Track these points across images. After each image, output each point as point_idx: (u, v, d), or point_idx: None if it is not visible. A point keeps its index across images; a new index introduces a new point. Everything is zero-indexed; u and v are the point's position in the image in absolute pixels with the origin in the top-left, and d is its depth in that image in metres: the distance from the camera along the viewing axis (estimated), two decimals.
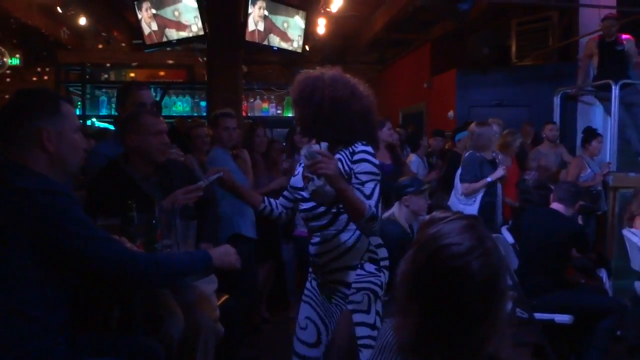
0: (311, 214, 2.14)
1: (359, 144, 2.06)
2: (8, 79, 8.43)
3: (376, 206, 1.96)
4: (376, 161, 2.07)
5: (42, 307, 1.51)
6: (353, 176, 2.03)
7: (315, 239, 2.15)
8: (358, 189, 1.99)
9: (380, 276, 2.09)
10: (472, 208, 4.38)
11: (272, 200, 2.36)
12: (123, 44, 9.02)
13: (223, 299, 2.55)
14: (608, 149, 5.79)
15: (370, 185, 2.00)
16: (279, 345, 3.91)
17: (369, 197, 1.97)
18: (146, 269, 1.58)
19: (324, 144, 1.90)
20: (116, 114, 7.01)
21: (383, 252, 2.14)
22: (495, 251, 1.07)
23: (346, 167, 2.03)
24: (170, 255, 1.89)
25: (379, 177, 2.05)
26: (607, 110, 5.99)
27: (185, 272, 1.74)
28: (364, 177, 2.01)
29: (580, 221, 4.31)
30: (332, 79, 2.09)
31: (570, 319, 3.30)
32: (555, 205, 3.56)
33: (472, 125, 4.64)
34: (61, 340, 1.58)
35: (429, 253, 1.07)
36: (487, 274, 1.04)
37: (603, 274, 4.11)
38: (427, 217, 1.20)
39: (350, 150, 2.06)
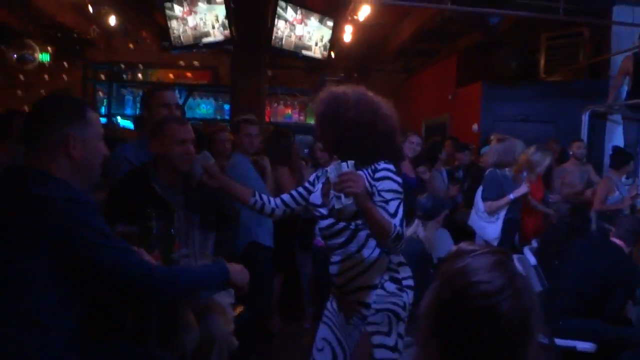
0: (330, 232, 2.10)
1: (382, 162, 2.03)
2: (34, 76, 8.55)
3: (401, 225, 1.94)
4: (399, 179, 2.04)
5: (56, 314, 1.50)
6: (376, 194, 2.00)
7: (334, 258, 2.10)
8: (382, 207, 1.96)
9: (402, 296, 2.04)
10: (495, 226, 4.29)
11: (264, 195, 2.31)
12: (150, 44, 9.10)
13: (238, 310, 2.52)
14: (638, 170, 5.65)
15: (395, 203, 1.98)
16: (292, 355, 3.88)
17: (393, 215, 1.94)
18: (163, 283, 1.56)
19: (350, 163, 1.86)
20: (140, 113, 7.12)
21: (405, 271, 2.10)
22: (527, 291, 1.02)
23: (368, 186, 2.00)
24: (188, 269, 1.87)
25: (402, 196, 2.02)
26: (628, 130, 5.84)
27: (202, 286, 1.72)
28: (387, 195, 1.98)
29: None
30: (356, 99, 2.05)
31: (593, 347, 3.20)
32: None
33: (492, 143, 4.56)
34: (74, 348, 1.57)
35: (456, 289, 1.02)
36: (516, 316, 0.98)
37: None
38: (454, 248, 1.15)
39: (372, 168, 2.04)
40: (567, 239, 3.71)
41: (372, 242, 2.05)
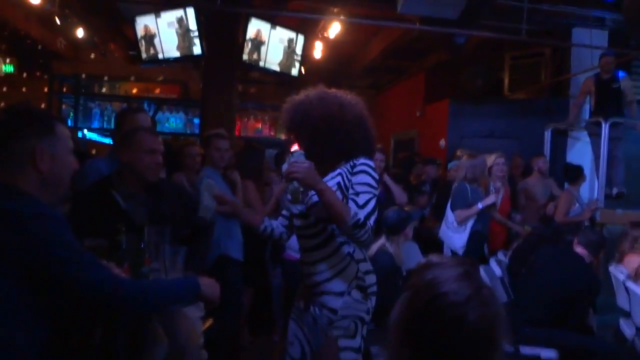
0: (305, 232, 2.14)
1: (362, 158, 2.08)
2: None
3: (367, 217, 1.96)
4: (376, 175, 2.08)
5: (26, 332, 1.47)
6: (350, 187, 2.04)
7: (306, 258, 2.14)
8: (352, 199, 2.00)
9: (366, 303, 2.10)
10: (461, 236, 4.42)
11: (272, 221, 2.37)
12: (119, 57, 9.00)
13: (208, 323, 2.50)
14: (596, 185, 5.86)
15: (365, 196, 2.00)
16: None
17: (361, 207, 1.97)
18: (134, 297, 1.55)
19: (298, 153, 1.95)
20: (107, 126, 7.03)
21: (371, 279, 2.15)
22: (492, 301, 1.06)
23: (346, 181, 2.05)
24: (158, 282, 1.86)
25: (376, 192, 2.06)
26: (595, 146, 6.06)
27: (172, 300, 1.71)
28: (359, 188, 2.02)
29: None
30: (318, 97, 2.11)
31: (556, 354, 3.28)
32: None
33: (464, 159, 4.68)
34: None
35: (425, 301, 1.06)
36: (483, 325, 1.02)
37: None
38: (424, 260, 1.19)
39: (352, 164, 2.08)
40: (535, 250, 3.80)
41: (345, 250, 2.09)
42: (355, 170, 2.06)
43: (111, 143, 4.92)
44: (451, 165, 5.69)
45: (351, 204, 1.97)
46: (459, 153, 5.32)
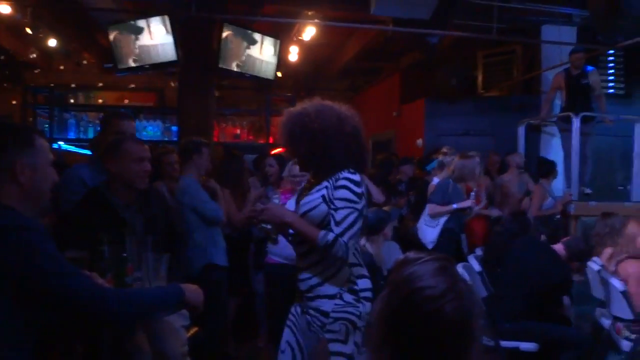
0: (296, 239, 2.19)
1: (345, 171, 2.11)
2: None
3: (341, 234, 2.03)
4: (358, 190, 2.10)
5: (11, 344, 1.47)
6: (331, 201, 2.08)
7: (301, 264, 2.18)
8: (331, 214, 2.05)
9: (358, 307, 2.11)
10: (433, 230, 4.51)
11: None
12: (93, 66, 8.91)
13: (192, 331, 2.51)
14: (568, 180, 6.00)
15: (343, 212, 2.05)
16: None
17: (337, 223, 2.04)
18: (118, 306, 1.55)
19: (274, 198, 2.22)
20: (84, 136, 6.94)
21: (364, 283, 2.17)
22: (468, 294, 1.10)
23: (330, 194, 2.09)
24: (142, 291, 1.87)
25: (357, 206, 2.08)
26: (565, 141, 6.18)
27: (157, 308, 1.72)
28: (339, 204, 2.06)
29: None
30: (316, 110, 2.14)
31: (535, 347, 3.35)
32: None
33: (456, 158, 4.76)
34: None
35: (404, 295, 1.10)
36: (460, 317, 1.07)
37: (566, 300, 4.21)
38: (402, 256, 1.23)
39: (336, 177, 2.11)
40: (508, 244, 3.88)
41: None
42: (337, 184, 2.09)
43: (89, 154, 4.84)
44: (430, 166, 5.72)
45: (330, 219, 2.05)
46: (444, 150, 5.32)
